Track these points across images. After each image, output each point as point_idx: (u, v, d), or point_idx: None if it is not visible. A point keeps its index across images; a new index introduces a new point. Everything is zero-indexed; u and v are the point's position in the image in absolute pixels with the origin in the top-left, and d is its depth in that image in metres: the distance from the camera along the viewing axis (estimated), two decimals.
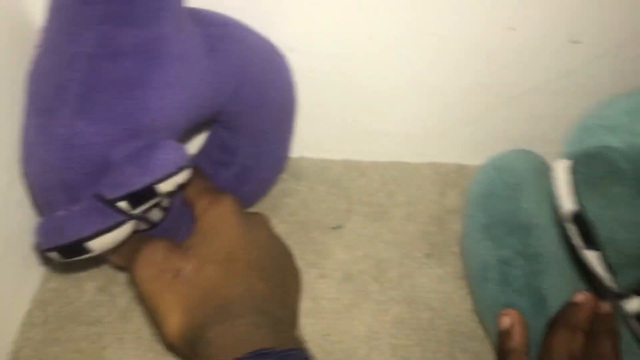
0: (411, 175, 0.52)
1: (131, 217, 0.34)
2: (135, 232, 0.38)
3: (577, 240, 0.29)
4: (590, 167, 0.28)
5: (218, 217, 0.39)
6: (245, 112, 0.41)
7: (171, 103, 0.34)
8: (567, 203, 0.29)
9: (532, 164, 0.43)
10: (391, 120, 0.50)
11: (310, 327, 0.44)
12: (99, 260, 0.46)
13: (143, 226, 0.38)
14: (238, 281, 0.37)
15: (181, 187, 0.37)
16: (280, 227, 0.49)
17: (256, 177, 0.46)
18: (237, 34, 0.39)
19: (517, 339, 0.35)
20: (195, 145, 0.48)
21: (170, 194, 0.38)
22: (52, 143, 0.33)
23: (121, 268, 0.44)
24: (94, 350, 0.42)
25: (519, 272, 0.37)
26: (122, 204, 0.33)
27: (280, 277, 0.39)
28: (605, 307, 0.33)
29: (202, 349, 0.34)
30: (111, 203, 0.33)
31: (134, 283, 0.38)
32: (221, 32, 0.38)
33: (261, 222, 0.41)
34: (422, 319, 0.44)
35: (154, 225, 0.38)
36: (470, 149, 0.52)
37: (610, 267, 0.27)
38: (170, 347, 0.38)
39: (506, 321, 0.36)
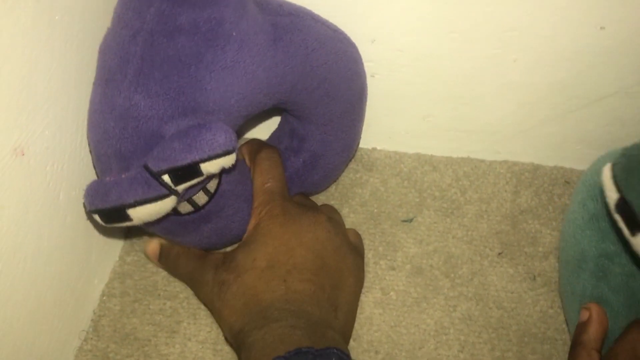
0: (485, 173, 0.51)
1: (173, 193, 0.35)
2: (181, 215, 0.39)
3: (625, 230, 0.30)
4: (628, 157, 0.30)
5: (264, 225, 0.41)
6: (311, 101, 0.42)
7: (227, 86, 0.35)
8: (610, 194, 0.31)
9: None
10: (467, 116, 0.50)
11: (379, 317, 0.44)
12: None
13: (188, 208, 0.39)
14: (277, 285, 0.38)
15: (226, 171, 0.37)
16: (350, 216, 0.49)
17: (325, 164, 0.46)
18: (303, 23, 0.39)
19: (591, 333, 0.35)
20: (267, 131, 0.49)
21: (217, 177, 0.39)
22: (111, 112, 0.35)
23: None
24: (169, 323, 0.44)
25: (619, 269, 0.36)
26: (166, 178, 0.34)
27: (327, 276, 0.40)
28: None
29: (245, 353, 0.36)
30: (156, 175, 0.34)
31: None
32: (287, 21, 0.38)
33: (320, 220, 0.42)
34: (492, 317, 0.44)
35: (198, 208, 0.39)
36: (547, 149, 0.51)
37: None
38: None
39: (585, 314, 0.36)
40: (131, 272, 0.47)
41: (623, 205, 0.30)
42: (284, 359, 0.32)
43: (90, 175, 0.42)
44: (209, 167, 0.34)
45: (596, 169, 0.41)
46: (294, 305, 0.38)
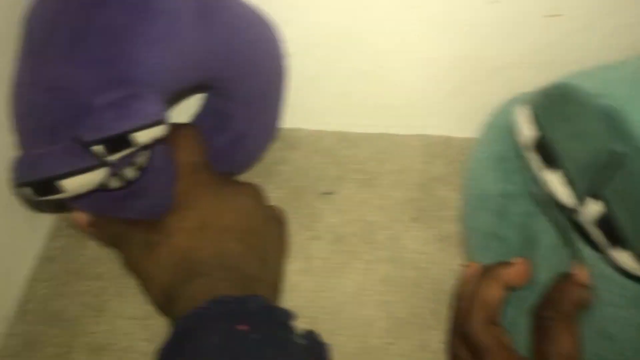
0: (400, 146, 0.54)
1: (105, 164, 0.35)
2: (111, 191, 0.40)
3: (538, 165, 0.31)
4: (547, 95, 0.30)
5: (191, 192, 0.42)
6: (237, 79, 0.43)
7: (158, 59, 0.36)
8: (527, 131, 0.31)
9: None
10: (381, 92, 0.53)
11: (303, 284, 0.46)
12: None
13: (117, 183, 0.39)
14: (208, 244, 0.40)
15: (157, 145, 0.38)
16: (275, 192, 0.51)
17: (250, 143, 0.48)
18: (228, 2, 0.41)
19: (466, 288, 0.38)
20: (189, 114, 0.50)
21: (147, 152, 0.40)
22: (39, 84, 0.35)
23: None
24: (97, 302, 0.45)
25: (517, 209, 0.39)
26: (98, 148, 0.34)
27: (258, 239, 0.42)
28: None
29: (173, 308, 0.37)
30: (87, 146, 0.34)
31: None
32: (213, 0, 0.40)
33: (246, 191, 0.44)
34: (408, 277, 0.46)
35: (128, 183, 0.40)
36: (457, 121, 0.54)
37: (569, 179, 0.29)
38: (159, 312, 0.42)
39: (464, 271, 0.40)
40: (57, 256, 0.47)
41: (541, 142, 0.30)
42: (203, 309, 0.33)
43: (8, 156, 0.42)
44: (141, 137, 0.35)
45: (500, 112, 0.43)
46: (224, 261, 0.39)
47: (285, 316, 0.35)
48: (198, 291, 0.36)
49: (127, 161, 0.39)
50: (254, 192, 0.45)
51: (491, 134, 0.42)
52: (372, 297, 0.45)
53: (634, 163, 0.27)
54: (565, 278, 0.35)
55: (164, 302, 0.40)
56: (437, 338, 0.44)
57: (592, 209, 0.29)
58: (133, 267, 0.42)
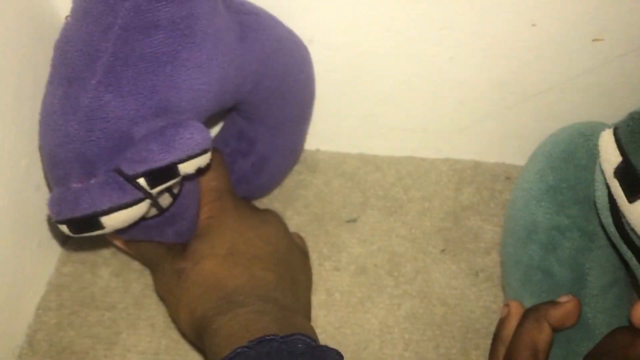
0: (427, 171, 0.51)
1: (149, 196, 0.34)
2: (146, 220, 0.38)
3: (622, 196, 0.29)
4: (632, 121, 0.29)
5: (218, 217, 0.41)
6: (266, 102, 0.41)
7: (201, 84, 0.34)
8: (612, 157, 0.29)
9: None
10: (408, 115, 0.50)
11: (324, 318, 0.44)
12: (114, 247, 0.46)
13: (153, 212, 0.38)
14: (240, 272, 0.38)
15: (199, 172, 0.37)
16: (294, 218, 0.49)
17: (273, 167, 0.46)
18: (266, 23, 0.39)
19: (509, 329, 0.36)
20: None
21: (184, 178, 0.38)
22: (75, 113, 0.33)
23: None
24: (108, 335, 0.43)
25: (569, 244, 0.36)
26: (142, 181, 0.33)
27: (287, 269, 0.40)
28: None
29: (209, 340, 0.35)
30: (131, 179, 0.33)
31: None
32: (251, 20, 0.38)
33: (270, 219, 0.43)
34: (436, 314, 0.44)
35: (163, 211, 0.38)
36: (487, 146, 0.52)
37: None
38: (188, 339, 0.41)
39: (504, 311, 0.37)
40: (68, 283, 0.45)
41: (624, 169, 0.28)
42: (247, 349, 0.31)
43: (22, 183, 0.40)
44: (187, 167, 0.34)
45: (556, 140, 0.41)
46: (260, 291, 0.37)
47: (333, 357, 0.32)
48: (237, 326, 0.34)
49: (165, 190, 0.37)
50: (278, 220, 0.43)
51: (542, 164, 0.40)
52: (397, 335, 0.43)
53: None
54: (623, 331, 0.33)
55: (195, 331, 0.37)
56: None
57: None
58: (163, 294, 0.41)
